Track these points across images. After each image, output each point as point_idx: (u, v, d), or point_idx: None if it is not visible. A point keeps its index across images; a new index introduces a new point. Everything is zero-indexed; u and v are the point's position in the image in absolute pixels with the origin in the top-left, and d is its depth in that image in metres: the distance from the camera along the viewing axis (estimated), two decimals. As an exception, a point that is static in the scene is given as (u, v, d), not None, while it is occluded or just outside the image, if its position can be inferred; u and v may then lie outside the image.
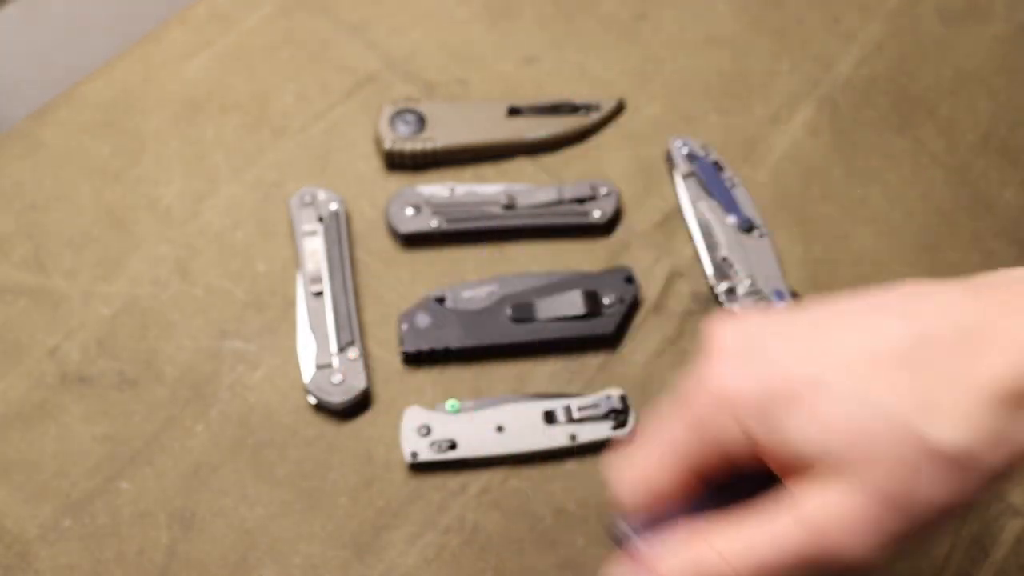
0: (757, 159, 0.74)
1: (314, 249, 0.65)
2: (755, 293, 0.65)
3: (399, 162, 0.71)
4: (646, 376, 0.64)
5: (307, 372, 0.61)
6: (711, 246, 0.68)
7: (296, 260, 0.66)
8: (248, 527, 0.58)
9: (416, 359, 0.63)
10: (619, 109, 0.75)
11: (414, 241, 0.68)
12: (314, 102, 0.74)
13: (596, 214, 0.68)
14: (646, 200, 0.71)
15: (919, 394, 0.27)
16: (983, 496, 0.29)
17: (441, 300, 0.64)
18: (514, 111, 0.73)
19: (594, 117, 0.73)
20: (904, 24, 0.81)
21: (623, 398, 0.61)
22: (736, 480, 0.34)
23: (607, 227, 0.69)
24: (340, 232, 0.66)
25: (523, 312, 0.63)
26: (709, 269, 0.67)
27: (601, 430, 0.60)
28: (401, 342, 0.63)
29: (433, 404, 0.62)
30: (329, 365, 0.61)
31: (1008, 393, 0.26)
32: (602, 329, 0.64)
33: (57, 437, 0.60)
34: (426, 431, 0.59)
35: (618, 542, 0.37)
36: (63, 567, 0.56)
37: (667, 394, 0.63)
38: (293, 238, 0.66)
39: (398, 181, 0.71)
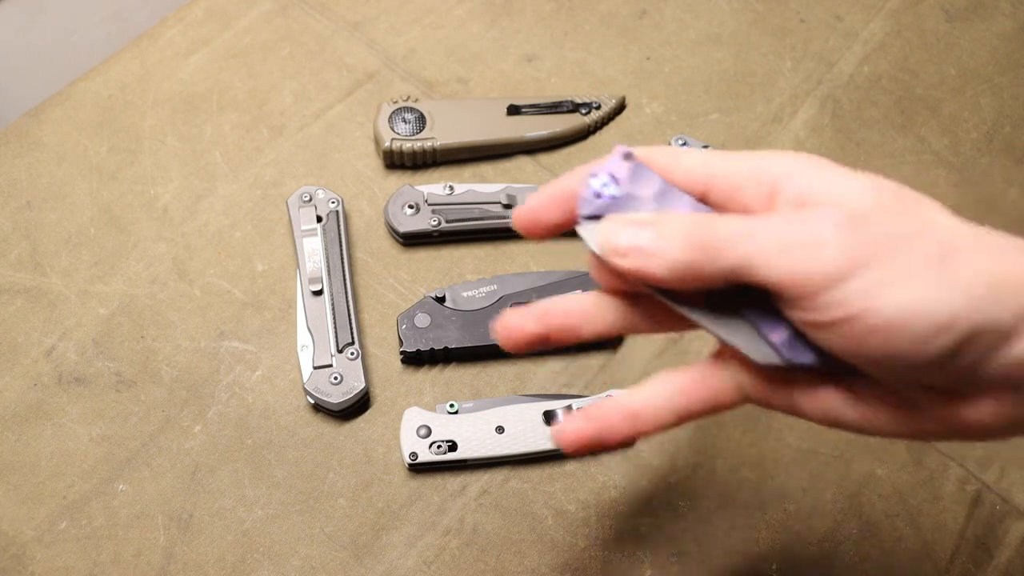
0: (759, 158, 0.73)
1: (313, 248, 0.64)
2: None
3: (398, 161, 0.70)
4: (647, 376, 0.63)
5: (306, 372, 0.60)
6: (713, 245, 0.67)
7: (295, 260, 0.65)
8: (246, 528, 0.57)
9: (415, 359, 0.63)
10: (620, 107, 0.74)
11: (413, 240, 0.67)
12: (313, 101, 0.73)
13: (597, 213, 0.68)
14: (647, 199, 0.71)
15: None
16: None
17: (440, 300, 0.64)
18: (514, 109, 0.72)
19: (595, 115, 0.73)
20: (907, 22, 0.81)
21: (624, 398, 0.60)
22: None
23: (608, 226, 0.69)
24: (339, 231, 0.65)
25: (523, 312, 0.63)
26: (711, 268, 0.67)
27: (602, 431, 0.60)
28: (400, 342, 0.63)
29: (433, 404, 0.61)
30: (328, 365, 0.61)
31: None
32: (603, 329, 0.63)
33: (53, 438, 0.59)
34: (426, 432, 0.59)
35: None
36: (59, 569, 0.55)
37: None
38: (292, 237, 0.66)
39: (397, 180, 0.70)
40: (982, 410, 0.35)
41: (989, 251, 0.34)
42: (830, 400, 0.38)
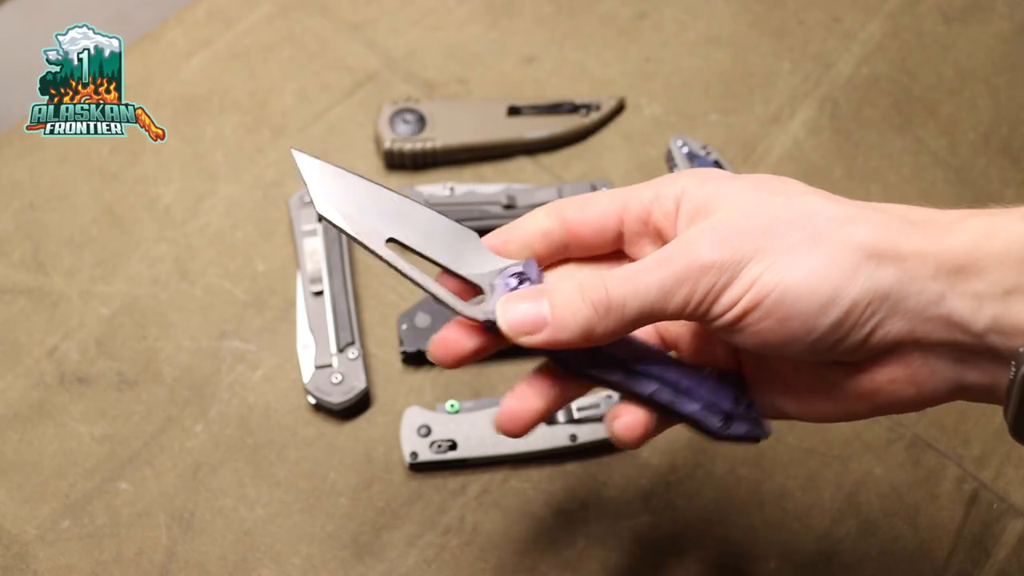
0: (757, 158, 0.73)
1: (314, 249, 0.65)
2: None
3: (399, 162, 0.70)
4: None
5: (307, 372, 0.61)
6: (712, 246, 0.68)
7: (296, 260, 0.66)
8: (248, 527, 0.58)
9: (416, 359, 0.63)
10: (619, 108, 0.75)
11: (414, 241, 0.68)
12: (313, 102, 0.74)
13: (596, 214, 0.68)
14: (646, 200, 0.71)
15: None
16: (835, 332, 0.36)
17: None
18: (514, 110, 0.72)
19: (594, 116, 0.73)
20: (905, 23, 0.81)
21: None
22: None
23: (607, 227, 0.69)
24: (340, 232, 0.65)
25: (523, 312, 0.63)
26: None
27: (601, 430, 0.60)
28: (401, 342, 0.63)
29: (433, 404, 0.61)
30: (329, 365, 0.61)
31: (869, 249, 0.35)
32: (602, 329, 0.63)
33: (56, 437, 0.60)
34: (426, 431, 0.59)
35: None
36: (62, 568, 0.56)
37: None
38: (293, 238, 0.66)
39: (398, 181, 0.70)
40: (894, 375, 0.37)
41: (860, 223, 0.36)
42: (773, 398, 0.41)
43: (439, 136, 0.70)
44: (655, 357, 0.40)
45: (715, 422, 0.41)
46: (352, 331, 0.62)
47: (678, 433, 0.61)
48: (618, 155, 0.73)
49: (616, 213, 0.40)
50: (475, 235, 0.41)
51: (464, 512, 0.59)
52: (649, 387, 0.40)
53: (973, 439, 0.63)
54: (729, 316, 0.36)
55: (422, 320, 0.63)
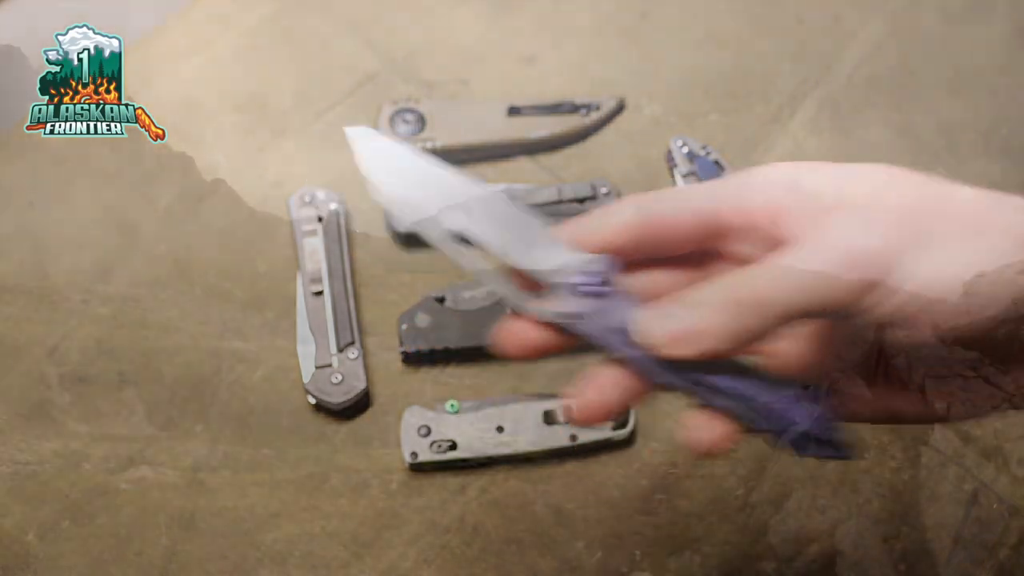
0: (758, 158, 0.73)
1: (314, 249, 0.65)
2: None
3: (399, 162, 0.70)
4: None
5: (307, 372, 0.61)
6: (712, 246, 0.68)
7: (296, 260, 0.66)
8: (247, 528, 0.58)
9: (416, 359, 0.63)
10: (619, 108, 0.75)
11: (414, 241, 0.68)
12: (314, 102, 0.74)
13: (596, 214, 0.68)
14: (646, 200, 0.71)
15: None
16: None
17: (441, 300, 0.64)
18: (514, 110, 0.72)
19: (594, 116, 0.73)
20: (905, 23, 0.81)
21: (623, 398, 0.61)
22: None
23: (607, 227, 0.69)
24: (340, 232, 0.65)
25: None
26: (710, 269, 0.67)
27: (601, 430, 0.60)
28: (401, 342, 0.63)
29: (433, 404, 0.61)
30: (329, 365, 0.61)
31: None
32: (602, 329, 0.63)
33: (56, 437, 0.60)
34: (426, 431, 0.59)
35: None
36: (62, 568, 0.56)
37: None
38: (293, 238, 0.66)
39: (398, 181, 0.70)
40: None
41: (1018, 210, 0.33)
42: (897, 401, 0.38)
43: (439, 136, 0.70)
44: (732, 368, 0.37)
45: (794, 441, 0.38)
46: (352, 331, 0.62)
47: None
48: (618, 155, 0.73)
49: (710, 209, 0.36)
50: (544, 223, 0.37)
51: (464, 512, 0.59)
52: (722, 403, 0.37)
53: (973, 439, 0.63)
54: (904, 306, 0.33)
55: (422, 320, 0.63)
